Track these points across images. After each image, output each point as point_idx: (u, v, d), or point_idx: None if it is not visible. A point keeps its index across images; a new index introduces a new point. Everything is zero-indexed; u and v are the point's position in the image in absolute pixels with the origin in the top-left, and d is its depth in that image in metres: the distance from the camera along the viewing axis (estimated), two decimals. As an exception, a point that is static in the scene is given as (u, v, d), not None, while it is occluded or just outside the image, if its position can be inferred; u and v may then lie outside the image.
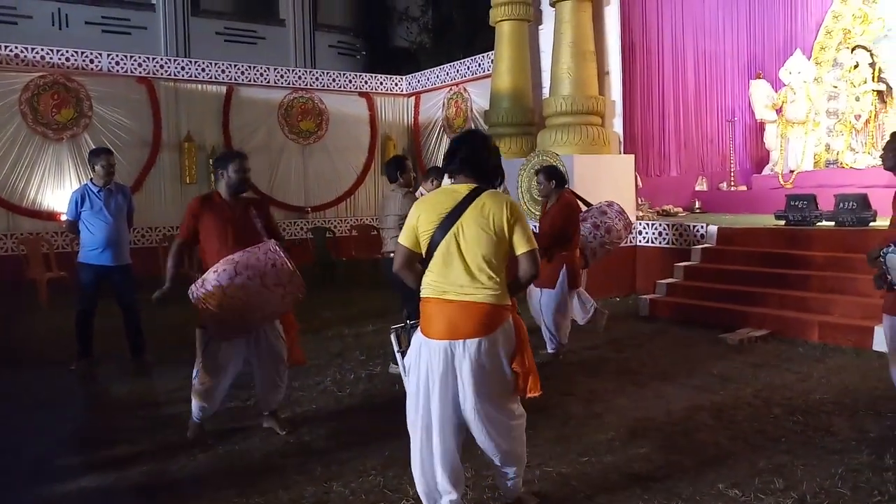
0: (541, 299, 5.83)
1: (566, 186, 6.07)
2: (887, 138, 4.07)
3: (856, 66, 10.96)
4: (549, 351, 5.86)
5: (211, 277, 3.80)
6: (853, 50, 11.09)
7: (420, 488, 3.02)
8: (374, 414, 4.62)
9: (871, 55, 10.91)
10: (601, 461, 3.73)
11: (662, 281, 8.01)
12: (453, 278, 2.86)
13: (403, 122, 14.33)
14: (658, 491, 3.34)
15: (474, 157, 3.00)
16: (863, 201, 7.38)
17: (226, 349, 4.13)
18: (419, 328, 2.99)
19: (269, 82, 12.83)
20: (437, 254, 2.88)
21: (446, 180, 4.67)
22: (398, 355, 3.28)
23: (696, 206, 11.16)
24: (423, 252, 2.94)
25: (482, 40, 13.65)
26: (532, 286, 5.86)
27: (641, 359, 5.86)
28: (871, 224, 7.29)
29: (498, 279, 2.87)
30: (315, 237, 11.12)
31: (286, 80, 13.02)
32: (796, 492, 3.29)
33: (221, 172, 4.19)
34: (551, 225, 5.75)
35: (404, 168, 5.71)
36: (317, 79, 13.42)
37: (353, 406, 4.84)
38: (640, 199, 9.72)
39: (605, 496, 3.32)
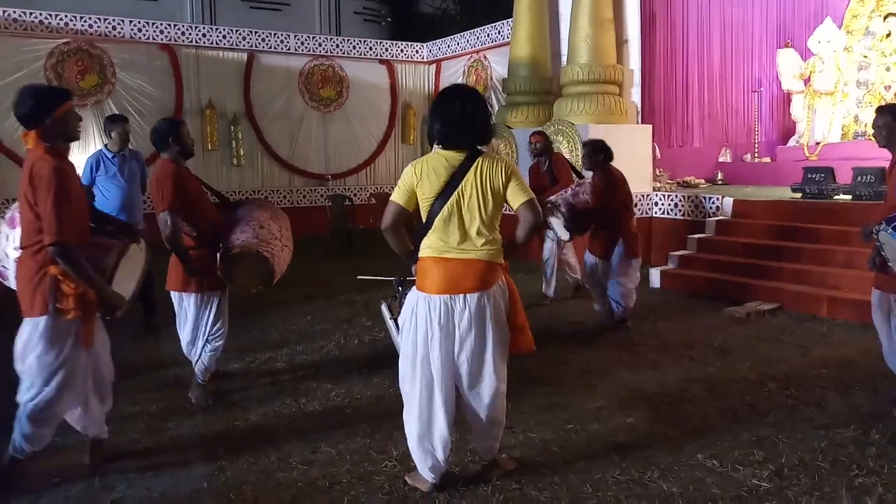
0: (599, 268, 5.89)
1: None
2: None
3: (888, 35, 10.65)
4: (616, 316, 5.92)
5: (273, 231, 4.18)
6: (886, 18, 10.76)
7: (413, 443, 3.07)
8: (371, 378, 4.70)
9: (905, 23, 10.58)
10: (586, 429, 3.77)
11: (675, 253, 7.96)
12: (453, 241, 2.95)
13: (424, 90, 14.25)
14: (636, 459, 3.38)
15: (476, 131, 3.01)
16: (881, 175, 7.19)
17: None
18: (414, 286, 3.06)
19: (289, 49, 12.83)
20: (438, 219, 2.95)
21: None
22: (390, 322, 3.35)
23: (719, 177, 11.01)
24: (424, 218, 3.00)
25: (507, 7, 13.43)
26: (588, 252, 5.99)
27: (643, 330, 5.86)
28: (890, 198, 7.12)
29: (494, 239, 2.99)
30: (333, 205, 11.18)
31: (307, 47, 13.01)
32: (774, 464, 3.30)
33: (173, 139, 4.16)
34: (598, 200, 5.75)
35: None
36: (337, 46, 13.39)
37: (352, 370, 4.93)
38: (658, 170, 9.61)
39: (584, 462, 3.36)
